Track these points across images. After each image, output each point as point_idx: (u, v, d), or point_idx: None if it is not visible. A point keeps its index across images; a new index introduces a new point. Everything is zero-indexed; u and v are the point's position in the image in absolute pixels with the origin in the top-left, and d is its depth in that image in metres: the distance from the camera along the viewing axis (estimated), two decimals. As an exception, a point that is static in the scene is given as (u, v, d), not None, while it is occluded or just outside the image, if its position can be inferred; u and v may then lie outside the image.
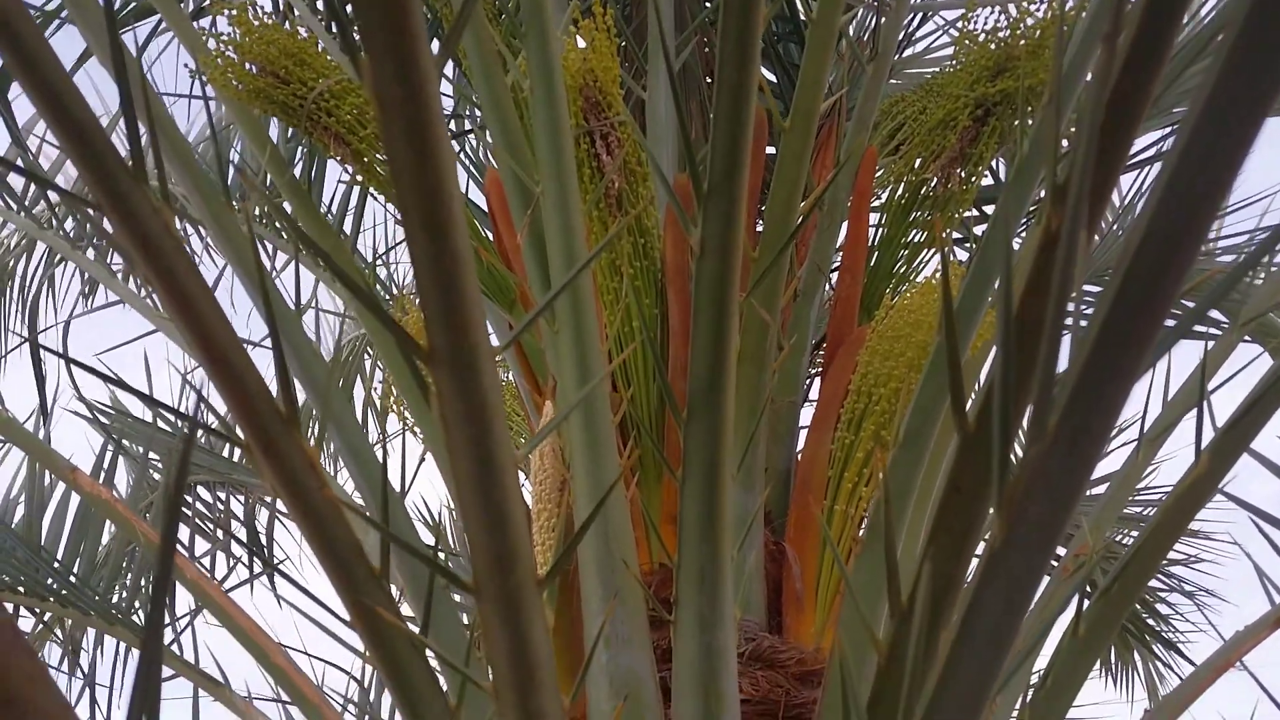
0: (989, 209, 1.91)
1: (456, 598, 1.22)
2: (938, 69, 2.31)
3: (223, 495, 2.29)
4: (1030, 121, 1.14)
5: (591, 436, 0.97)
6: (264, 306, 0.67)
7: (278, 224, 1.57)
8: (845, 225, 1.31)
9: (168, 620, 2.04)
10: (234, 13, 1.28)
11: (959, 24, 1.44)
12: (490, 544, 0.58)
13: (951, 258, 1.30)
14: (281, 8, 1.75)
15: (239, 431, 0.69)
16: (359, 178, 1.30)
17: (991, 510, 0.51)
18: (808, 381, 1.35)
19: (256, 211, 1.59)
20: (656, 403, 1.11)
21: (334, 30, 1.51)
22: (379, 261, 2.15)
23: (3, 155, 1.82)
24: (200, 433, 2.48)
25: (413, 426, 1.23)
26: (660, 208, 1.18)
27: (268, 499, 2.28)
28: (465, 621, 1.23)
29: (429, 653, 0.75)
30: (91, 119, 0.62)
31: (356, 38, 0.45)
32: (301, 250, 1.18)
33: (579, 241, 0.98)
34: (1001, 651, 0.42)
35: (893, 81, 2.09)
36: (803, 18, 1.74)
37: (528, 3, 1.00)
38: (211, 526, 2.27)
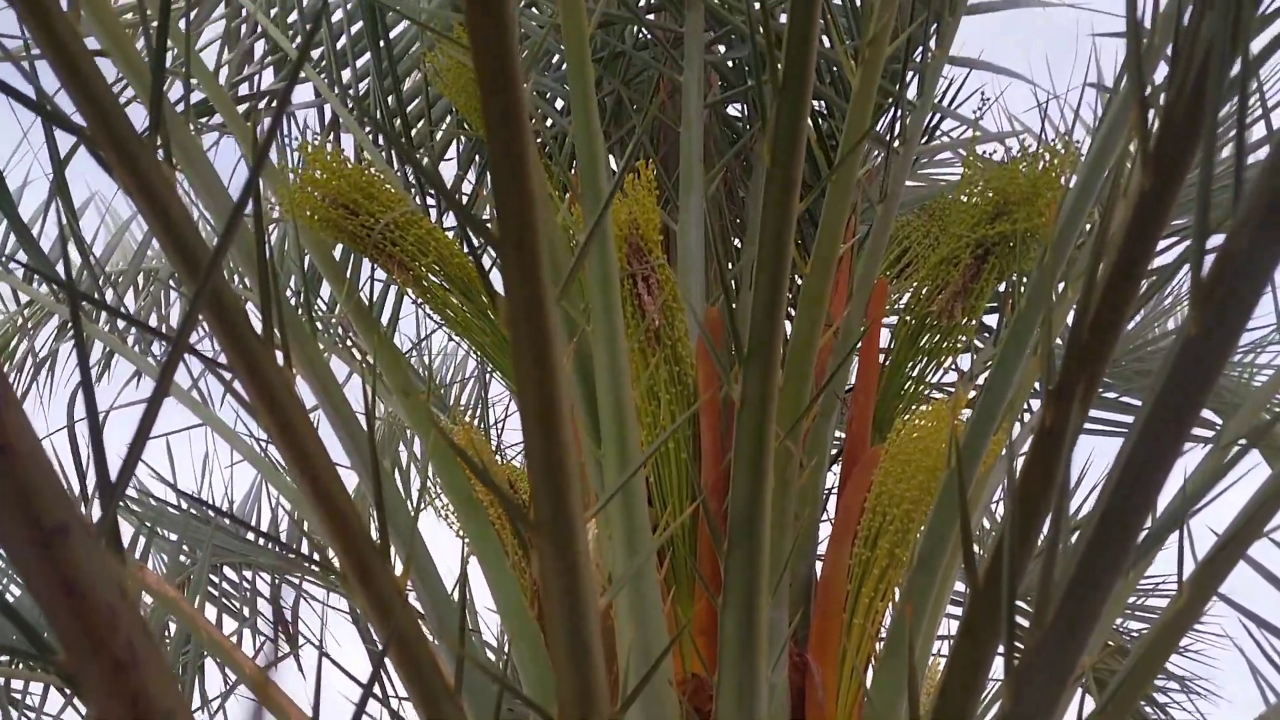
0: (990, 319, 2.04)
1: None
2: (946, 171, 2.47)
3: (249, 575, 2.37)
4: (1028, 267, 1.27)
5: (635, 557, 1.07)
6: (370, 464, 0.78)
7: (333, 334, 1.70)
8: (858, 348, 1.43)
9: (199, 703, 2.11)
10: (311, 149, 1.42)
11: (962, 151, 1.59)
12: (575, 678, 0.68)
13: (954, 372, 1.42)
14: (336, 132, 1.90)
15: (334, 559, 0.80)
16: (418, 298, 1.43)
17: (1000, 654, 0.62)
18: (825, 496, 1.45)
19: (320, 325, 1.73)
20: (690, 520, 1.22)
21: (409, 184, 1.65)
22: (410, 353, 2.27)
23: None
24: (226, 519, 2.57)
25: (460, 534, 1.33)
26: (693, 338, 1.30)
27: (293, 579, 2.36)
28: None
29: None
30: (235, 299, 0.74)
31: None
32: (379, 380, 1.30)
33: (625, 378, 1.10)
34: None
35: (910, 183, 2.25)
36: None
37: (584, 168, 1.13)
38: (238, 605, 2.35)
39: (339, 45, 1.82)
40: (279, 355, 0.76)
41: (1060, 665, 0.50)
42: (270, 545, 2.26)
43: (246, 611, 2.32)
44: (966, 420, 1.15)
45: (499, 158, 0.54)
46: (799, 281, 1.51)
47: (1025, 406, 2.00)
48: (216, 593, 2.34)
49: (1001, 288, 1.94)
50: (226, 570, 2.37)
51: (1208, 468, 1.42)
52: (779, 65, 0.84)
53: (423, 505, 1.39)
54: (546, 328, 0.58)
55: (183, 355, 0.53)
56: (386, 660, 0.90)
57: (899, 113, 1.49)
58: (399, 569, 0.83)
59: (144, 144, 0.67)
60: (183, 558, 2.21)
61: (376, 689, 1.54)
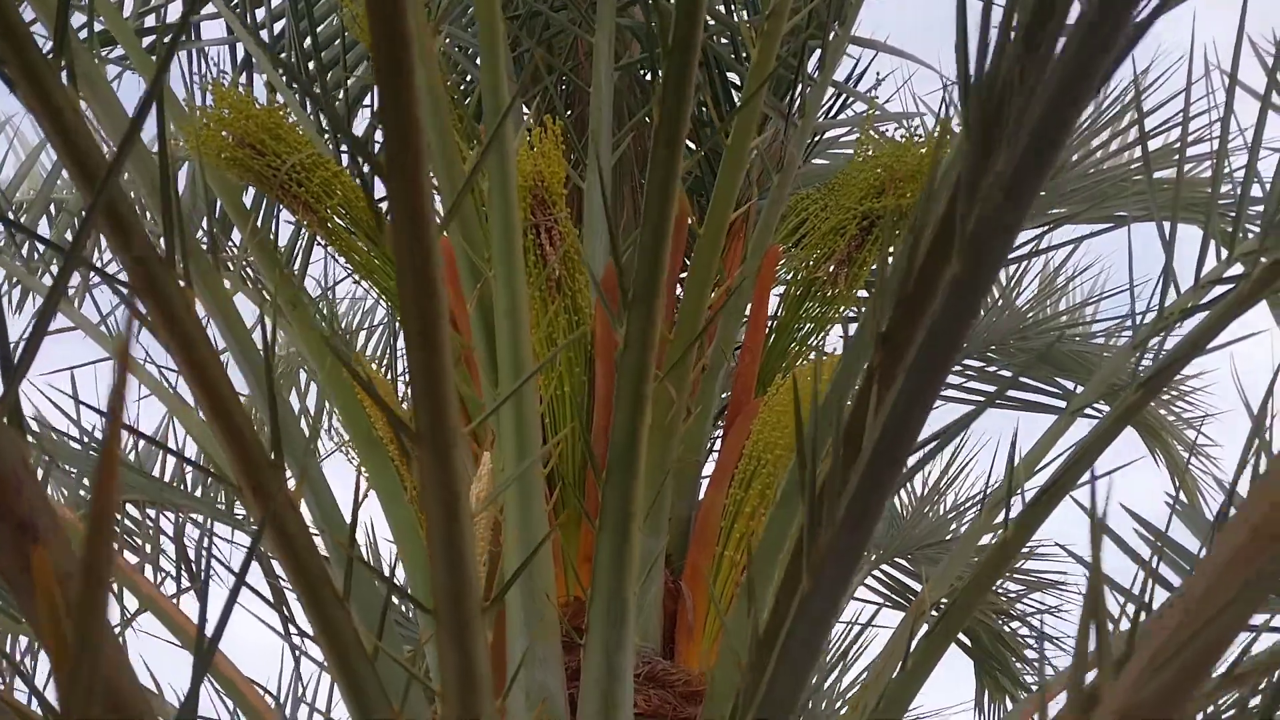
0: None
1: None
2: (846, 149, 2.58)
3: (152, 513, 2.37)
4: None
5: (524, 487, 1.15)
6: (266, 382, 0.83)
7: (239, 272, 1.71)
8: (748, 309, 1.52)
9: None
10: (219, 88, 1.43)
11: (859, 131, 1.69)
12: (449, 580, 0.75)
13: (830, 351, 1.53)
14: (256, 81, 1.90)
15: (230, 474, 0.85)
16: (325, 241, 1.46)
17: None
18: (711, 443, 1.55)
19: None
20: (580, 459, 1.30)
21: (318, 126, 1.66)
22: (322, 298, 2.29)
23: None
24: (131, 453, 2.55)
25: (360, 468, 1.38)
26: (594, 291, 1.37)
27: (197, 517, 2.37)
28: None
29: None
30: (135, 217, 0.78)
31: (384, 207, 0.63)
32: (282, 315, 1.34)
33: (524, 322, 1.16)
34: (809, 667, 0.61)
35: (817, 162, 2.36)
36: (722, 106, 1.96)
37: (490, 118, 1.18)
38: (140, 542, 2.35)
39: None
40: (180, 278, 0.80)
41: (848, 555, 0.59)
42: (175, 484, 2.27)
43: (149, 549, 2.32)
44: (833, 375, 1.25)
45: (386, 84, 0.59)
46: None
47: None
48: (119, 529, 2.34)
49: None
50: (129, 508, 2.35)
51: (1057, 430, 1.56)
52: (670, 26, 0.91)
53: (319, 429, 1.43)
54: (426, 245, 0.64)
55: (80, 261, 0.57)
56: (280, 577, 0.95)
57: (799, 88, 1.58)
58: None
59: (50, 66, 0.70)
60: (82, 493, 2.19)
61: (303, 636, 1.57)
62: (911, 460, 0.61)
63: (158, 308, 0.79)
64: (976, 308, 0.54)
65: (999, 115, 0.62)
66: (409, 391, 0.71)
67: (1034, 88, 0.50)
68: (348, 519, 1.33)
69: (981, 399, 2.84)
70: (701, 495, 1.35)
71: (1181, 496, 2.80)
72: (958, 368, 2.57)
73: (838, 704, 2.41)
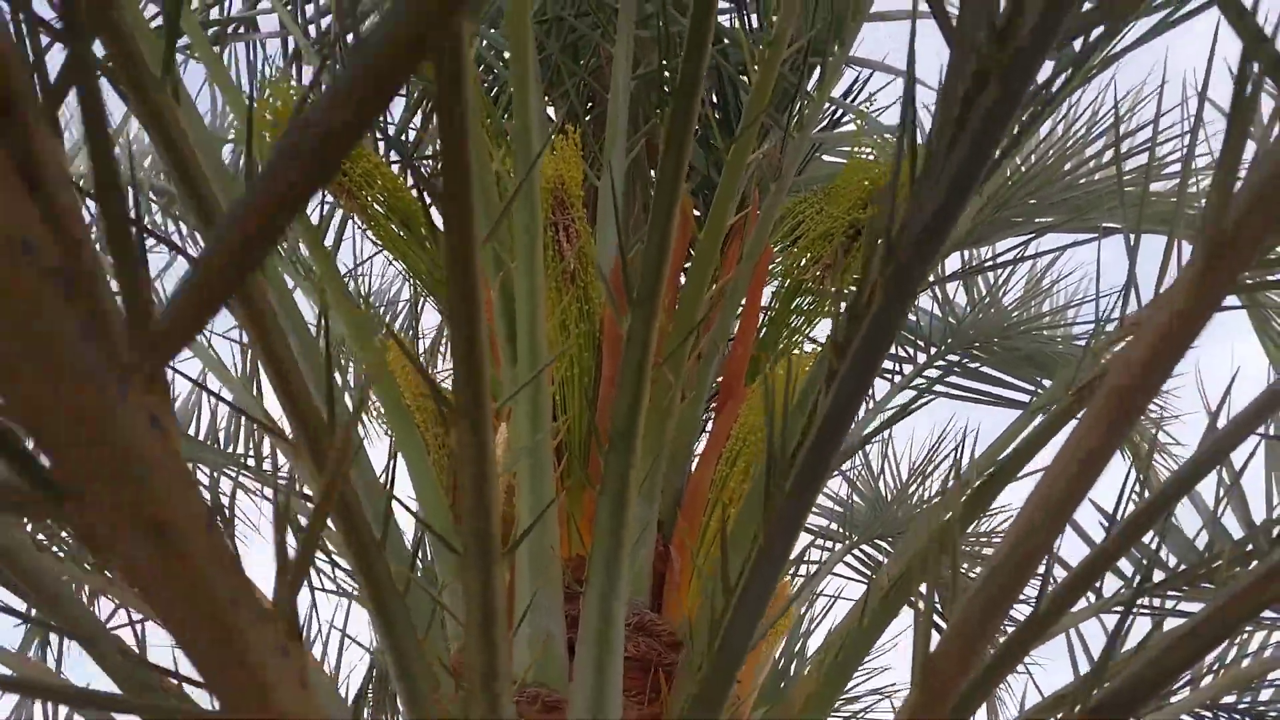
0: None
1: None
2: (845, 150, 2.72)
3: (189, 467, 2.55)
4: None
5: (536, 456, 1.31)
6: (325, 362, 0.99)
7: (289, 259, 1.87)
8: (742, 304, 1.68)
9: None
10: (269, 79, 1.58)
11: (853, 146, 1.83)
12: (477, 527, 0.91)
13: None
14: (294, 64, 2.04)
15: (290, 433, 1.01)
16: (363, 225, 1.62)
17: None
18: (703, 424, 1.71)
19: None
20: (585, 432, 1.46)
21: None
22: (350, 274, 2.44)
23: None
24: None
25: (389, 433, 1.55)
26: (602, 285, 1.53)
27: (230, 471, 2.54)
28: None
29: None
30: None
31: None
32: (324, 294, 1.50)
33: (541, 310, 1.32)
34: (759, 612, 0.77)
35: (829, 159, 2.50)
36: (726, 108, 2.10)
37: (517, 129, 1.33)
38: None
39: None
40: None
41: (795, 514, 0.75)
42: (209, 442, 2.44)
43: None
44: (812, 369, 1.41)
45: (448, 135, 0.75)
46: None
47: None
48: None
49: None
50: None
51: (1018, 427, 1.72)
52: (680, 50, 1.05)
53: (360, 406, 1.59)
54: (471, 261, 0.80)
55: (176, 250, 0.73)
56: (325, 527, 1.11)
57: (798, 104, 1.72)
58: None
59: (158, 80, 0.86)
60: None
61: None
62: (850, 444, 0.77)
63: (239, 292, 0.95)
64: (893, 332, 0.69)
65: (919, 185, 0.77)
66: (452, 371, 0.87)
67: (944, 168, 0.64)
68: (379, 474, 1.49)
69: (965, 395, 3.00)
70: (692, 470, 1.52)
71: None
72: (941, 363, 2.72)
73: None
